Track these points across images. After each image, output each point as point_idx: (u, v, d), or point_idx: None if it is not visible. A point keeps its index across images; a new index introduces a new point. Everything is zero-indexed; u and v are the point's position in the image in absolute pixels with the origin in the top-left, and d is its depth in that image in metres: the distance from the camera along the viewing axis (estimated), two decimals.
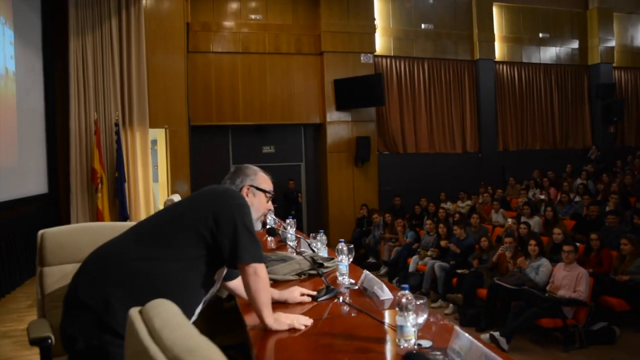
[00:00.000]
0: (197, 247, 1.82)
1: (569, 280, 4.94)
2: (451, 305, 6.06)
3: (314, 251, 3.01)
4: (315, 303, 2.18)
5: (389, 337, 1.73)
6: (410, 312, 1.54)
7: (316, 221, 10.86)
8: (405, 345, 1.56)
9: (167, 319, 1.29)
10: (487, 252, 6.21)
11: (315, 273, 2.68)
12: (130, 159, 7.85)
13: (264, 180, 2.20)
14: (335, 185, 10.51)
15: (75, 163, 7.56)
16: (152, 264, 1.76)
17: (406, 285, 1.58)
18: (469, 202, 9.55)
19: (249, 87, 10.10)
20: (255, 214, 2.12)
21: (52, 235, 2.47)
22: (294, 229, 3.79)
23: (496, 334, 4.79)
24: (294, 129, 10.86)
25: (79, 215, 7.47)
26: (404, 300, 1.54)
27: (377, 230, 8.94)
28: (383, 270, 8.13)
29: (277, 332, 1.82)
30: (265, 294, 1.84)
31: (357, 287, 2.36)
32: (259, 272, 1.83)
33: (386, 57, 11.29)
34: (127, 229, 1.93)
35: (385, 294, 2.16)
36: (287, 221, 3.84)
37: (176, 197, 5.52)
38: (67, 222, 7.23)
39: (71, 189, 7.54)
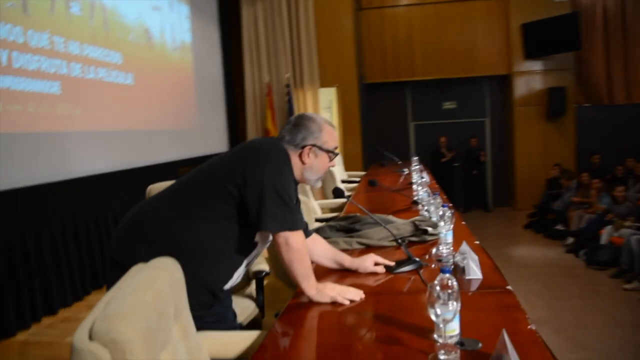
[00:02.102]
0: (227, 206, 1.68)
1: None
2: None
3: (426, 215, 2.66)
4: (390, 275, 1.89)
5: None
6: (448, 302, 1.18)
7: (501, 182, 9.98)
8: (443, 342, 1.21)
9: (140, 280, 1.20)
10: None
11: (417, 240, 2.37)
12: None
13: (330, 138, 1.89)
14: (524, 142, 9.46)
15: (251, 123, 8.17)
16: (179, 222, 1.68)
17: (447, 268, 1.21)
18: None
19: (426, 40, 9.56)
20: (314, 175, 1.88)
21: (156, 190, 2.59)
22: (426, 188, 3.43)
23: None
24: (476, 82, 10.01)
25: None
26: (437, 287, 1.19)
27: (568, 194, 7.82)
28: (570, 240, 7.10)
29: (318, 304, 1.62)
30: (300, 265, 1.64)
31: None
32: (291, 241, 1.63)
33: None
34: (169, 185, 1.85)
35: (473, 272, 1.77)
36: (422, 179, 3.50)
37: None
38: None
39: None
